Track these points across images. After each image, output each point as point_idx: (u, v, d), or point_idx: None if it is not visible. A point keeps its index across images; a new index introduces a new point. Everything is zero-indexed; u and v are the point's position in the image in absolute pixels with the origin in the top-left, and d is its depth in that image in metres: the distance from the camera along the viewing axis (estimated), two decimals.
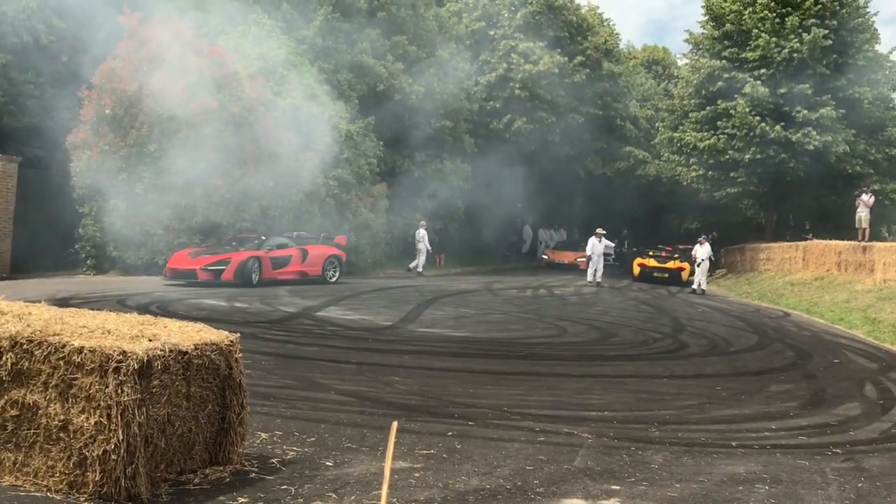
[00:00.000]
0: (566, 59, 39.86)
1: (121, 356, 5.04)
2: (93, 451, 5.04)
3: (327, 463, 6.12)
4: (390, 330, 14.57)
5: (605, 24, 47.00)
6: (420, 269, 29.97)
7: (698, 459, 6.93)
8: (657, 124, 44.64)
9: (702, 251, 32.31)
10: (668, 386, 10.75)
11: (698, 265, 30.55)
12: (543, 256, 42.16)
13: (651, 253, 36.75)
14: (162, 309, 14.49)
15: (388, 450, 4.52)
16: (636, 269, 35.10)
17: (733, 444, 7.59)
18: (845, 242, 27.97)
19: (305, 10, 29.70)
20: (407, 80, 31.69)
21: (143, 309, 13.93)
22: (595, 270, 30.91)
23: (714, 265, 34.43)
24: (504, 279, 30.21)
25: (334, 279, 23.72)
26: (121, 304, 15.09)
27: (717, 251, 34.67)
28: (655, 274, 34.29)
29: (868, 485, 6.45)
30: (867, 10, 36.63)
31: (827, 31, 34.41)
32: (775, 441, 7.81)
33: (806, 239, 31.24)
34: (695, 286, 31.21)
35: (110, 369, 5.02)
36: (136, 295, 16.93)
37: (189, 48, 22.69)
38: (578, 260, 37.59)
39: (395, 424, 4.67)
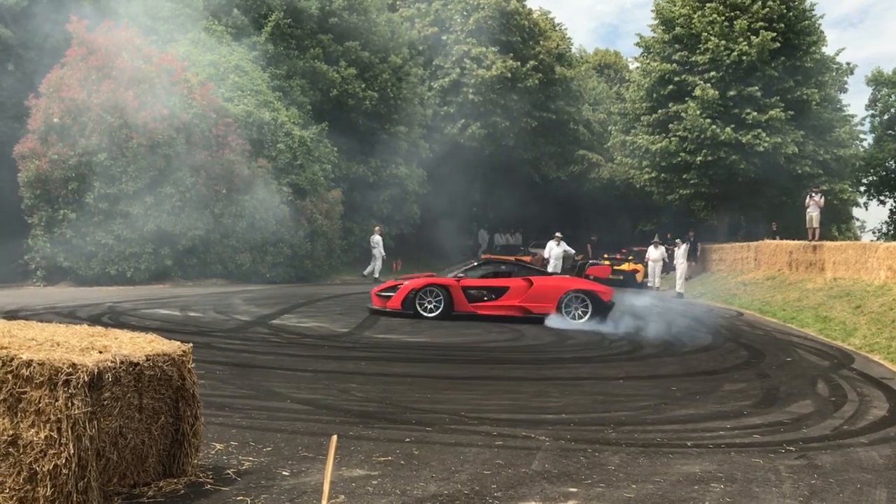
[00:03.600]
0: (518, 63, 40.11)
1: (70, 369, 4.94)
2: (43, 466, 4.93)
3: (283, 472, 6.07)
4: (347, 337, 14.50)
5: (556, 28, 47.36)
6: (376, 275, 29.90)
7: (654, 460, 6.97)
8: (610, 128, 45.06)
9: (655, 253, 32.67)
10: (625, 387, 10.81)
11: (679, 265, 30.52)
12: None
13: (605, 255, 37.01)
14: (114, 320, 14.29)
15: (327, 463, 4.51)
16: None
17: (688, 443, 7.65)
18: (796, 242, 28.40)
19: (256, 16, 29.56)
20: (360, 85, 31.64)
21: (94, 320, 13.74)
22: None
23: (667, 266, 34.72)
24: None
25: (580, 321, 18.12)
26: (71, 315, 14.85)
27: (693, 251, 34.87)
28: (610, 276, 34.53)
29: (821, 481, 6.54)
30: (814, 13, 37.31)
31: (775, 34, 35.00)
32: (730, 440, 7.89)
33: (774, 239, 31.67)
34: (651, 284, 31.64)
35: (60, 382, 4.92)
36: (87, 306, 16.67)
37: (138, 55, 22.44)
38: None
39: (334, 438, 4.66)
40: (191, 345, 5.93)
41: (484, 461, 6.64)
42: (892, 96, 45.68)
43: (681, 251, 31.64)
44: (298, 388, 9.49)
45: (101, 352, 5.30)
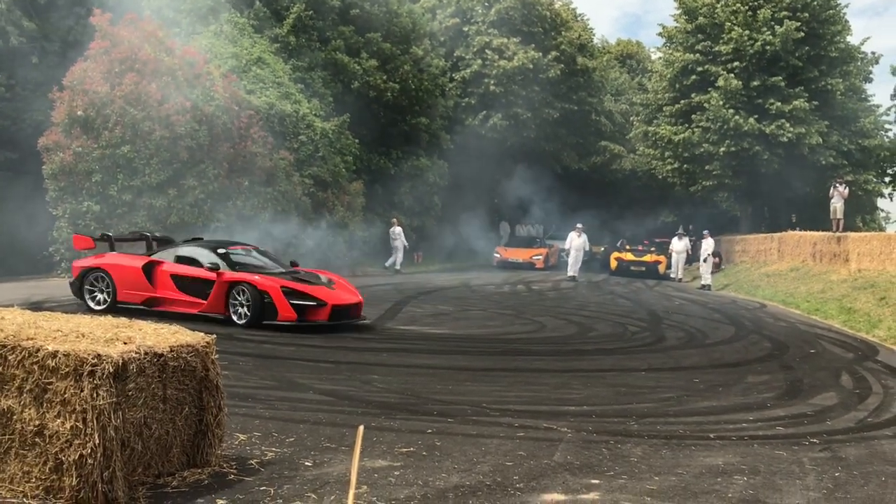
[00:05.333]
0: (540, 54, 39.95)
1: (95, 360, 4.99)
2: (69, 456, 4.99)
3: (306, 463, 6.10)
4: (368, 328, 14.54)
5: (578, 18, 47.14)
6: (398, 267, 29.93)
7: (677, 452, 6.96)
8: (632, 118, 44.85)
9: (679, 245, 32.51)
10: (647, 379, 10.79)
11: (705, 259, 30.22)
12: (496, 255, 36.51)
13: (628, 247, 36.90)
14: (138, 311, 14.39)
15: (354, 454, 4.52)
16: (613, 263, 35.23)
17: (711, 435, 7.63)
18: (820, 233, 28.19)
19: (278, 8, 29.59)
20: (381, 77, 31.63)
21: (119, 311, 13.84)
22: (573, 264, 31.02)
23: (690, 258, 34.57)
24: (482, 275, 30.24)
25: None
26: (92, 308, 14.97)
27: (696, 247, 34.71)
28: (632, 267, 34.46)
29: (845, 474, 6.50)
30: (838, 1, 36.92)
31: (799, 24, 34.69)
32: (753, 432, 7.86)
33: (795, 230, 31.45)
34: (674, 276, 31.62)
35: (85, 373, 4.98)
36: None
37: (161, 48, 22.53)
38: (534, 258, 35.80)
39: (360, 429, 4.67)
40: (214, 336, 5.97)
41: (506, 452, 6.65)
42: None
43: (681, 242, 31.59)
44: (320, 379, 9.53)
45: (125, 343, 5.35)
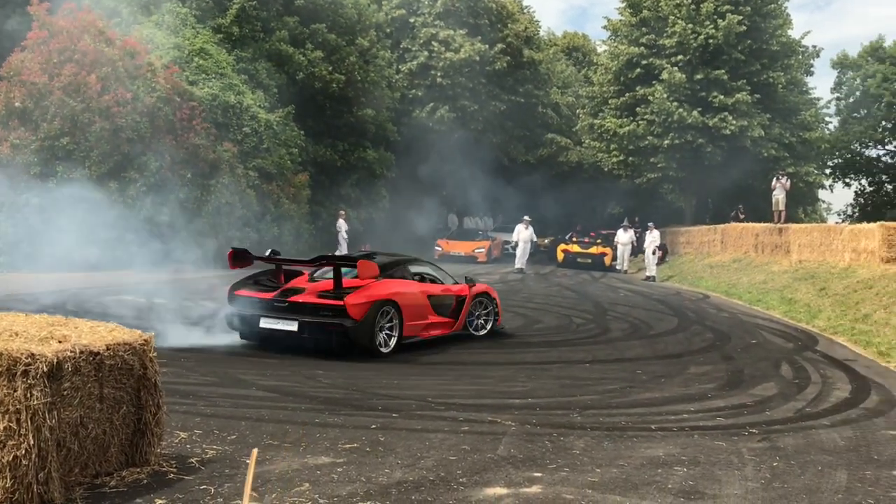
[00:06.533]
0: (487, 46, 40.02)
1: (29, 359, 4.88)
2: (2, 458, 4.87)
3: (247, 461, 6.02)
4: None
5: (524, 11, 47.27)
6: None
7: (619, 444, 7.02)
8: (578, 111, 45.17)
9: (624, 237, 32.83)
10: (591, 371, 10.87)
11: (651, 252, 30.41)
12: (437, 248, 35.37)
13: (574, 239, 37.17)
14: (77, 307, 14.12)
15: (248, 477, 4.51)
16: (560, 255, 35.46)
17: (653, 427, 7.71)
18: (762, 225, 28.67)
19: None
20: (327, 68, 31.42)
21: (57, 308, 13.57)
22: (521, 256, 31.18)
23: (636, 250, 34.93)
24: None
25: None
26: (34, 303, 14.66)
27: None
28: (579, 259, 34.74)
29: (783, 464, 6.61)
30: None
31: (741, 18, 35.22)
32: (694, 423, 7.95)
33: (740, 221, 31.93)
34: (620, 268, 31.97)
35: (18, 373, 4.86)
36: (50, 293, 16.47)
37: (101, 38, 22.13)
38: (476, 251, 35.25)
39: (255, 452, 4.68)
40: (152, 333, 5.87)
41: (450, 447, 6.65)
42: (857, 79, 46.11)
43: (626, 234, 31.95)
44: (264, 375, 9.45)
45: (60, 342, 5.24)
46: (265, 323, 10.98)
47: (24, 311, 6.39)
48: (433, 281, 12.98)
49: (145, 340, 5.74)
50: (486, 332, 13.46)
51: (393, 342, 11.34)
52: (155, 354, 5.79)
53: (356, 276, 11.38)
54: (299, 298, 11.05)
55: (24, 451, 4.84)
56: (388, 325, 11.32)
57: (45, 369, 4.91)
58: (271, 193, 26.84)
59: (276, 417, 7.34)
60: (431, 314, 12.35)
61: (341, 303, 10.67)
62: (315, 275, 12.31)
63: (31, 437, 4.84)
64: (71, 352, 5.15)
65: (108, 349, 5.42)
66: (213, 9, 28.60)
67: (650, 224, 31.65)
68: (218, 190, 24.11)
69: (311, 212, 29.97)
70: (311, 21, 31.76)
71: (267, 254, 12.20)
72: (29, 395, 4.85)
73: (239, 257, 11.87)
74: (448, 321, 12.75)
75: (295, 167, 28.73)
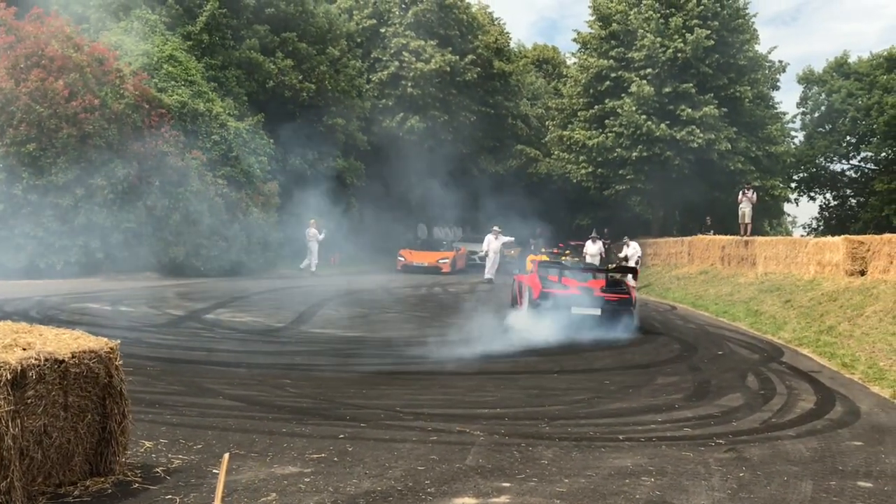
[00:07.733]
0: (457, 57, 40.14)
1: None
2: None
3: (214, 471, 5.97)
4: (282, 331, 14.38)
5: (495, 22, 47.50)
6: (313, 269, 29.69)
7: (587, 454, 7.03)
8: (547, 123, 45.33)
9: (593, 248, 32.92)
10: (559, 381, 10.89)
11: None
12: (399, 258, 35.31)
13: (543, 249, 37.23)
14: (42, 315, 13.97)
15: (219, 481, 4.47)
16: (528, 266, 35.46)
17: (621, 437, 7.73)
18: (729, 237, 28.92)
19: (191, 5, 29.10)
20: (297, 76, 31.36)
21: (21, 315, 13.41)
22: (491, 267, 31.20)
23: (604, 261, 35.04)
24: (399, 278, 30.19)
25: None
26: None
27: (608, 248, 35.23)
28: None
29: (749, 474, 6.65)
30: (747, 11, 38.00)
31: (709, 32, 35.57)
32: (661, 433, 7.98)
33: (708, 234, 32.18)
34: None
35: None
36: (14, 300, 16.27)
37: (69, 44, 21.95)
38: (440, 262, 35.05)
39: (226, 456, 4.65)
40: (118, 341, 5.81)
41: (418, 457, 6.63)
42: (823, 94, 46.72)
43: (595, 246, 31.87)
44: (231, 384, 9.37)
45: (24, 349, 5.17)
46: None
47: None
48: None
49: (111, 348, 5.68)
50: None
51: None
52: (121, 363, 5.72)
53: None
54: None
55: None
56: None
57: (9, 377, 4.84)
58: (240, 202, 26.70)
59: (243, 427, 7.28)
60: None
61: None
62: None
63: None
64: (35, 359, 5.08)
65: (73, 357, 5.35)
66: (183, 16, 28.49)
67: (626, 238, 31.79)
68: (186, 198, 23.94)
69: (280, 220, 29.85)
70: (281, 30, 31.73)
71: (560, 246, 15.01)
72: None
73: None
74: None
75: (264, 175, 28.62)
